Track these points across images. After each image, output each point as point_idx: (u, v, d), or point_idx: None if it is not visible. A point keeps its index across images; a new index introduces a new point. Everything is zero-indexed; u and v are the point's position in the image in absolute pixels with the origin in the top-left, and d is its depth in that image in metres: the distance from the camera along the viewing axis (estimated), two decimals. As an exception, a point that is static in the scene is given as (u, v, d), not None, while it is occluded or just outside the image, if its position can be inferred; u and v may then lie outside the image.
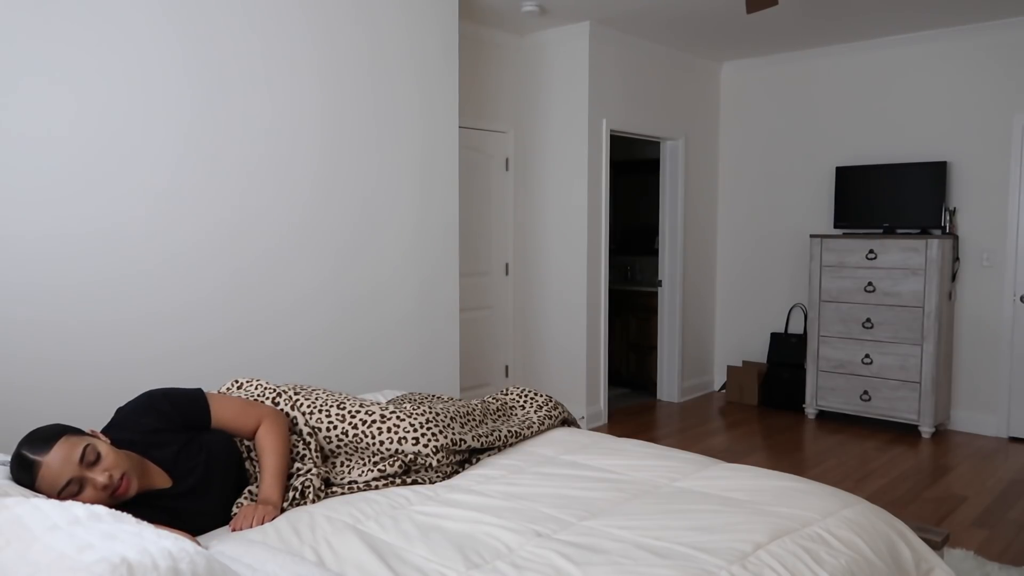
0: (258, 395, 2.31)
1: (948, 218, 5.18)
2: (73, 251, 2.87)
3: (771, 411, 5.81)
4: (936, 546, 2.14)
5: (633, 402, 6.14)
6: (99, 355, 2.95)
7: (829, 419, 5.55)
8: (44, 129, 2.78)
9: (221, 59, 3.24)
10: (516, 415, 2.74)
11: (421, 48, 4.03)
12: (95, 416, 2.83)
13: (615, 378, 6.49)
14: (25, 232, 2.75)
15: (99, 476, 1.73)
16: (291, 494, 2.02)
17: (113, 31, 2.92)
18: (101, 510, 1.46)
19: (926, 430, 5.07)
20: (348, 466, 2.21)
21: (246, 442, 2.14)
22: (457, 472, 2.30)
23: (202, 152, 3.21)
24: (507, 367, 5.60)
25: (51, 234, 2.81)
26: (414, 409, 2.30)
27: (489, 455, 2.43)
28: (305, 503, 2.02)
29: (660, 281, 6.11)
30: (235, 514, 1.95)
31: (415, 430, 2.22)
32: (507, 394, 2.84)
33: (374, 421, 2.23)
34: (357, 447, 2.22)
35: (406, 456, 2.20)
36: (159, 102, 3.07)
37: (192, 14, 3.14)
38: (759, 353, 6.26)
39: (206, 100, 3.20)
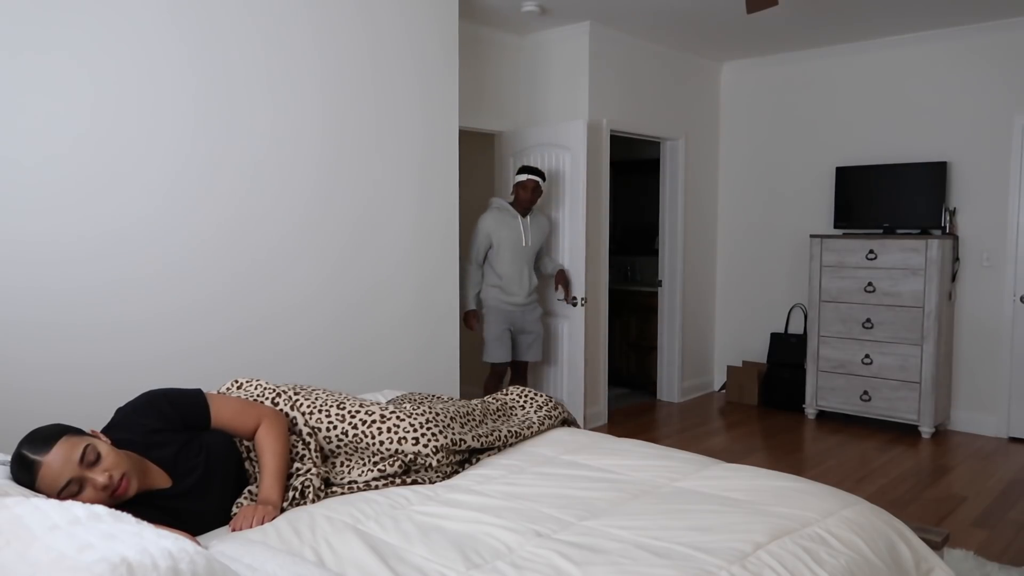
0: (258, 395, 2.31)
1: (948, 218, 5.18)
2: (75, 254, 2.87)
3: (771, 411, 5.81)
4: (936, 546, 2.13)
5: (633, 402, 6.14)
6: (101, 357, 2.95)
7: (829, 419, 5.55)
8: (51, 136, 2.78)
9: (225, 60, 3.24)
10: (516, 415, 2.74)
11: (421, 48, 4.03)
12: (96, 417, 2.83)
13: (615, 378, 6.49)
14: (27, 236, 2.75)
15: (99, 476, 1.73)
16: (291, 494, 2.02)
17: (123, 37, 2.92)
18: (101, 510, 1.46)
19: (926, 430, 5.07)
20: (348, 466, 2.21)
21: (246, 442, 2.14)
22: (457, 472, 2.30)
23: (204, 154, 3.21)
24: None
25: (53, 238, 2.81)
26: (414, 409, 2.30)
27: (489, 455, 2.43)
28: (305, 503, 2.02)
29: (660, 281, 6.11)
30: (235, 514, 1.95)
31: (415, 430, 2.22)
32: (507, 394, 2.84)
33: (374, 421, 2.24)
34: (357, 447, 2.22)
35: (406, 456, 2.20)
36: (164, 104, 3.07)
37: (198, 16, 3.14)
38: (759, 353, 6.26)
39: (209, 101, 3.20)
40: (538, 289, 4.91)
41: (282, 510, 1.97)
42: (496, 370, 4.70)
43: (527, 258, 4.64)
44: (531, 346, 4.73)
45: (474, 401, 2.67)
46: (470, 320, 4.66)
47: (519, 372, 4.84)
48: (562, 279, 4.84)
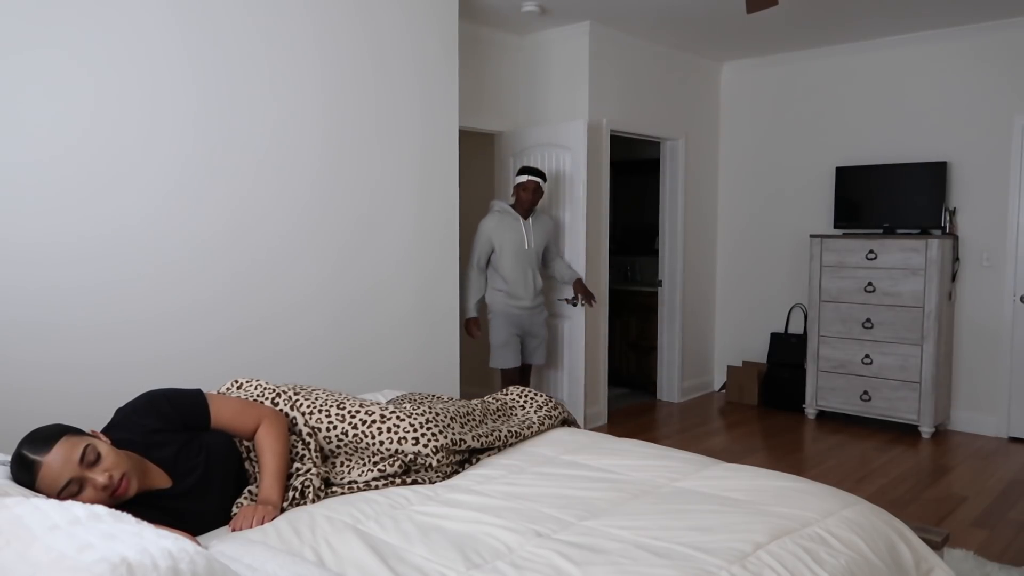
0: (257, 395, 2.31)
1: (948, 218, 5.18)
2: (75, 254, 2.87)
3: (771, 411, 5.81)
4: (936, 546, 2.14)
5: (633, 402, 6.14)
6: (101, 357, 2.95)
7: (829, 419, 5.55)
8: (51, 136, 2.78)
9: (225, 60, 3.24)
10: (516, 415, 2.74)
11: (421, 48, 4.03)
12: (96, 418, 2.83)
13: (615, 378, 6.49)
14: (27, 236, 2.75)
15: (99, 476, 1.73)
16: (291, 494, 2.02)
17: (123, 37, 2.92)
18: (101, 510, 1.46)
19: (926, 430, 5.07)
20: (348, 466, 2.21)
21: (246, 442, 2.14)
22: (457, 472, 2.30)
23: (205, 155, 3.21)
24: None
25: (53, 238, 2.81)
26: (414, 409, 2.30)
27: (489, 455, 2.43)
28: (305, 503, 2.02)
29: (660, 281, 6.11)
30: (235, 514, 1.95)
31: (415, 430, 2.22)
32: (507, 394, 2.84)
33: (374, 421, 2.24)
34: (357, 447, 2.22)
35: (406, 456, 2.20)
36: (165, 105, 3.07)
37: (198, 16, 3.14)
38: (759, 353, 6.26)
39: (209, 102, 3.20)
40: (544, 291, 4.85)
41: (282, 510, 1.97)
42: (507, 375, 4.60)
43: (531, 261, 4.57)
44: (536, 349, 4.70)
45: (474, 401, 2.67)
46: (471, 328, 4.61)
47: (523, 375, 4.81)
48: (580, 288, 4.75)
